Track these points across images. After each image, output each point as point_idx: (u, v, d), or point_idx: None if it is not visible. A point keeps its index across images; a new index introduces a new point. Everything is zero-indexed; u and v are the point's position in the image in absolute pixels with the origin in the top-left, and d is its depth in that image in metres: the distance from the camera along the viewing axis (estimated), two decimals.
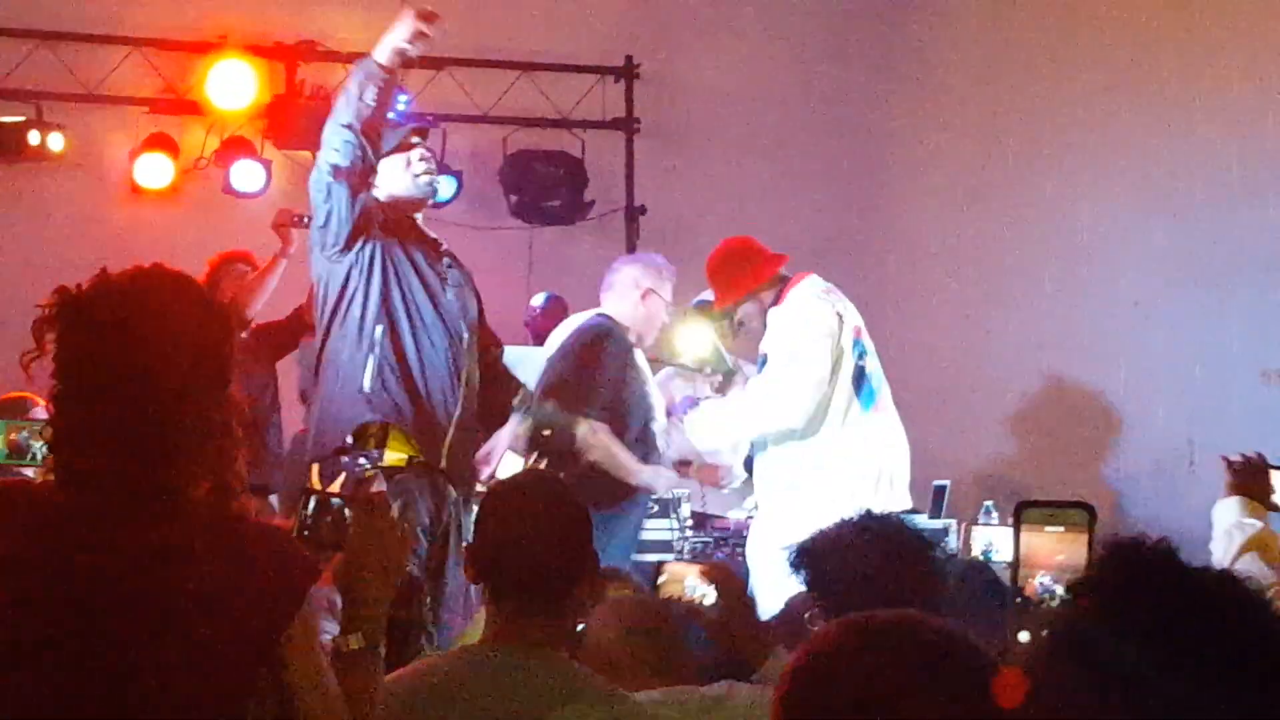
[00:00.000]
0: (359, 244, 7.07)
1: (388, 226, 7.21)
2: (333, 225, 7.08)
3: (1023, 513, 3.62)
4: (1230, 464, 5.91)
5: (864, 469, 7.87)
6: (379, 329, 7.03)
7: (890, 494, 7.91)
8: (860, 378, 7.98)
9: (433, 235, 7.43)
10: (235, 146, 10.75)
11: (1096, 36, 12.24)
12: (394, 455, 6.39)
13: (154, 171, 10.73)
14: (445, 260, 7.27)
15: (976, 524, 8.52)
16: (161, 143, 10.73)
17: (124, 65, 10.81)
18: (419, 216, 7.36)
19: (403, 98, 10.29)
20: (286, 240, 9.46)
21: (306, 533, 3.73)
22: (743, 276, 7.97)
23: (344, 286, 7.12)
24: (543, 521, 4.07)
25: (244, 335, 9.21)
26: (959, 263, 11.45)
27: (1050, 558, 3.64)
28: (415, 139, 7.30)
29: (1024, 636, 3.25)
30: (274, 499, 9.28)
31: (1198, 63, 12.05)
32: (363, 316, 7.07)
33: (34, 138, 10.41)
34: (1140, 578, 2.17)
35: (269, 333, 9.62)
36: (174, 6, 10.98)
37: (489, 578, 4.06)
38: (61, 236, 10.34)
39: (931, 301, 11.30)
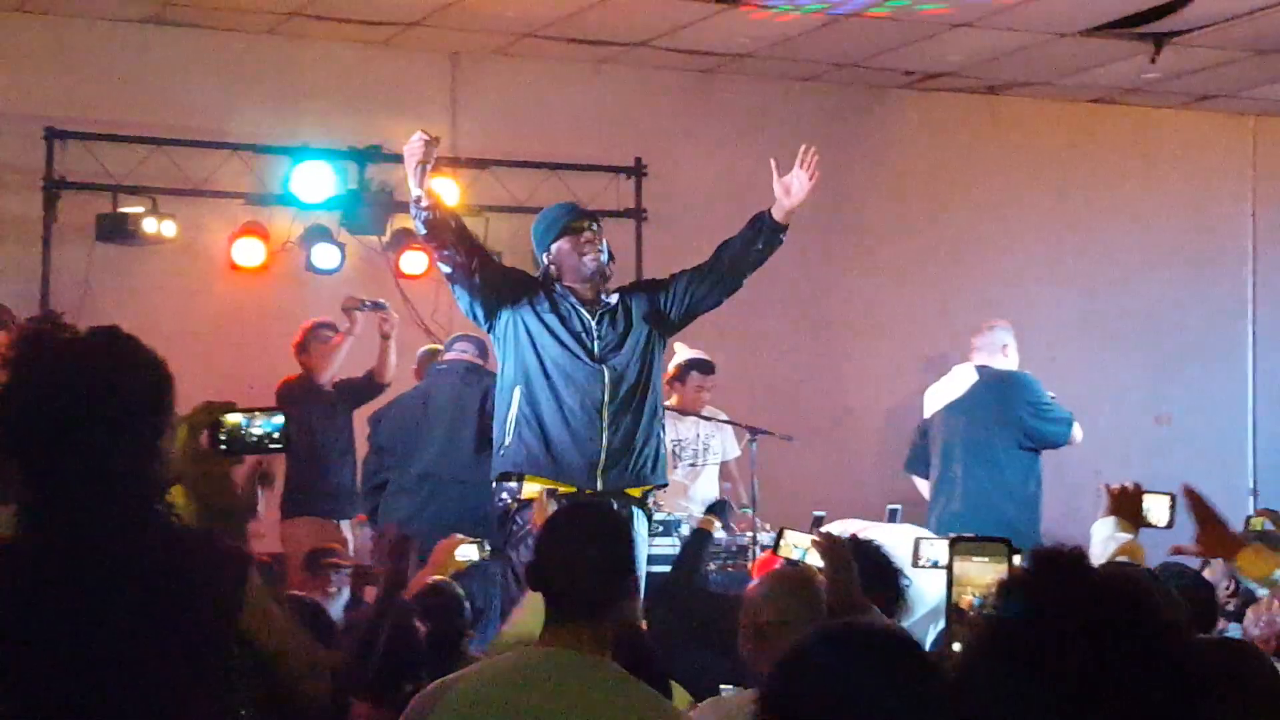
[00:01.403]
0: (498, 321, 7.58)
1: (532, 298, 7.61)
2: (467, 311, 7.76)
3: (954, 545, 4.50)
4: (1109, 490, 5.87)
5: None
6: (517, 390, 7.50)
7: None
8: None
9: (607, 297, 7.70)
10: (315, 232, 11.10)
11: (1020, 148, 13.21)
12: (530, 489, 7.27)
13: (248, 253, 10.99)
14: (596, 319, 7.59)
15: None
16: (254, 230, 11.02)
17: (225, 164, 11.10)
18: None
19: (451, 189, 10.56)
20: (352, 320, 10.17)
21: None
22: None
23: (500, 356, 7.70)
24: (588, 545, 4.20)
25: (329, 389, 10.23)
26: (901, 331, 12.10)
27: (978, 581, 4.47)
28: (586, 224, 7.76)
29: (957, 646, 3.48)
30: (345, 524, 10.02)
31: (1102, 169, 13.23)
32: (504, 378, 7.63)
33: (150, 225, 10.73)
34: (1056, 573, 2.31)
35: (347, 387, 10.24)
36: (265, 115, 11.24)
37: (545, 590, 4.20)
38: (171, 308, 10.65)
39: (880, 360, 11.86)
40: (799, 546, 6.26)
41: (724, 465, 10.87)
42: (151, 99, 11.15)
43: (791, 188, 7.61)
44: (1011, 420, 10.20)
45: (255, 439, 4.01)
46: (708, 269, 7.83)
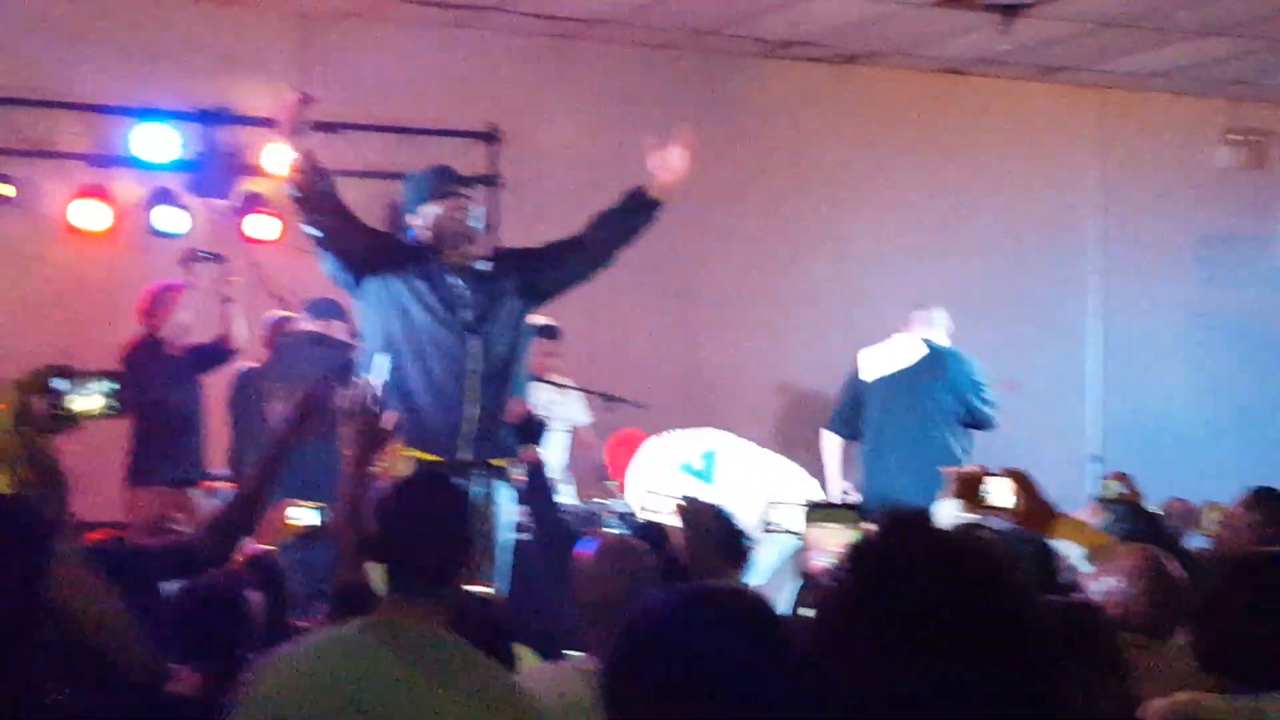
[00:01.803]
0: (366, 287, 7.50)
1: (400, 264, 7.53)
2: (332, 276, 7.64)
3: (809, 511, 4.53)
4: (953, 474, 5.96)
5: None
6: (383, 354, 7.35)
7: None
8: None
9: (478, 264, 7.62)
10: (161, 195, 11.00)
11: (875, 118, 13.43)
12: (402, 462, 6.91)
13: (90, 216, 10.91)
14: (461, 282, 7.47)
15: None
16: (96, 192, 10.92)
17: (66, 124, 11.07)
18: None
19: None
20: (193, 273, 10.11)
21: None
22: None
23: (367, 321, 7.62)
24: (426, 516, 4.18)
25: (177, 354, 10.05)
26: (761, 299, 12.19)
27: (828, 545, 4.47)
28: (457, 189, 7.67)
29: (807, 611, 3.78)
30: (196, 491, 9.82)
31: (954, 140, 13.57)
32: (369, 344, 7.51)
33: None
34: (906, 535, 2.31)
35: (196, 352, 10.08)
36: (109, 75, 11.09)
37: (384, 561, 4.15)
38: (8, 273, 10.77)
39: (740, 329, 11.93)
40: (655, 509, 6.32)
41: (577, 432, 10.91)
42: None
43: (671, 163, 7.63)
44: (959, 396, 10.57)
45: (88, 407, 4.00)
46: (583, 241, 7.83)
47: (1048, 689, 2.22)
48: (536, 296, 7.84)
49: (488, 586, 6.67)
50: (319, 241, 7.50)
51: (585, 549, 5.06)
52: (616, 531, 7.51)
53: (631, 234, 7.82)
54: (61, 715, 3.64)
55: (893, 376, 10.41)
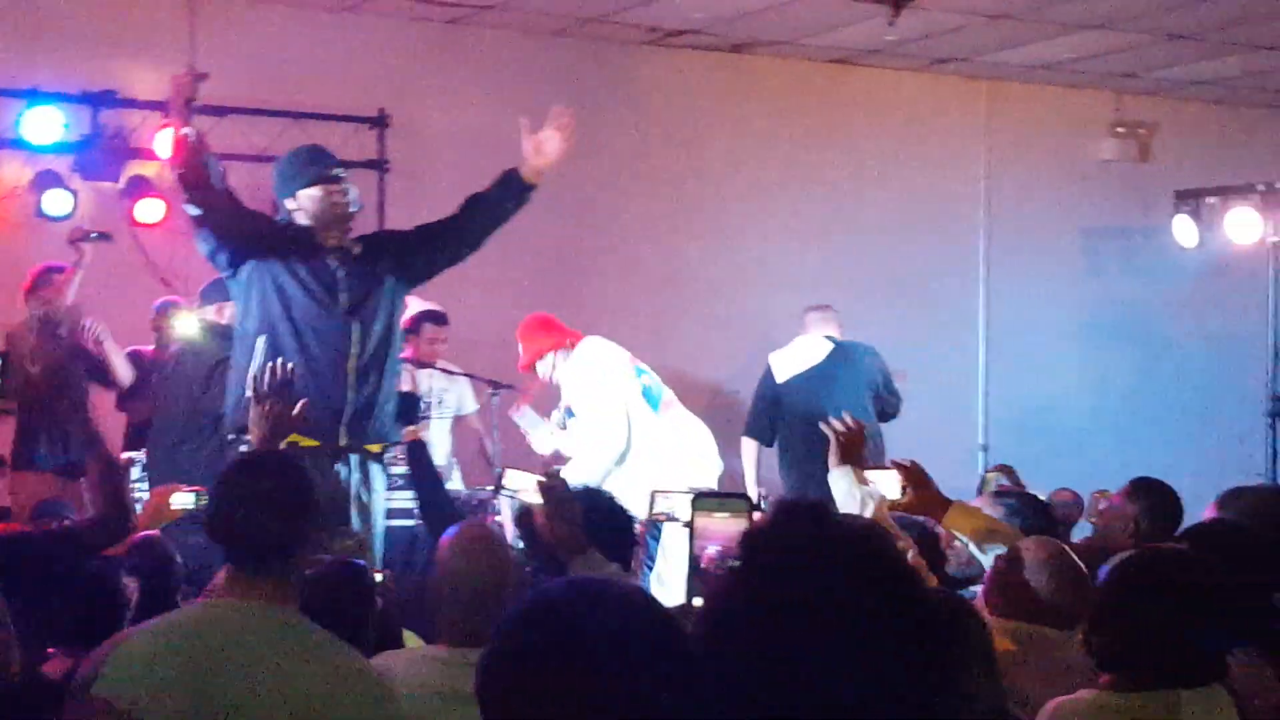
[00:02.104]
0: (242, 269, 7.46)
1: (280, 247, 7.47)
2: (209, 256, 7.54)
3: (695, 502, 4.50)
4: (833, 433, 6.03)
5: (668, 453, 9.20)
6: (260, 340, 7.30)
7: (700, 465, 9.29)
8: (645, 392, 9.38)
9: (350, 245, 7.56)
10: (47, 178, 10.89)
11: (765, 106, 13.42)
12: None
13: None
14: (342, 269, 7.46)
15: None
16: None
17: None
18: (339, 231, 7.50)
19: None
20: (80, 252, 10.04)
21: None
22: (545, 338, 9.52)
23: (241, 304, 7.55)
24: (267, 497, 4.13)
25: (64, 336, 10.04)
26: (649, 283, 12.29)
27: (718, 535, 4.48)
28: (335, 173, 7.62)
29: (698, 601, 3.78)
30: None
31: (842, 129, 13.65)
32: (245, 328, 7.46)
33: None
34: (798, 523, 2.30)
35: (83, 351, 10.04)
36: None
37: (225, 543, 4.15)
38: None
39: (627, 311, 11.87)
40: (515, 488, 6.41)
41: (464, 419, 10.92)
42: None
43: (544, 146, 7.65)
44: (872, 389, 10.76)
45: None
46: (454, 224, 7.82)
47: (932, 679, 2.22)
48: (410, 279, 7.83)
49: (377, 571, 6.51)
50: (198, 220, 7.41)
51: (446, 537, 4.97)
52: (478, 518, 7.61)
53: (503, 217, 7.79)
54: None
55: (805, 374, 10.49)
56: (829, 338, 10.78)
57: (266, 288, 7.37)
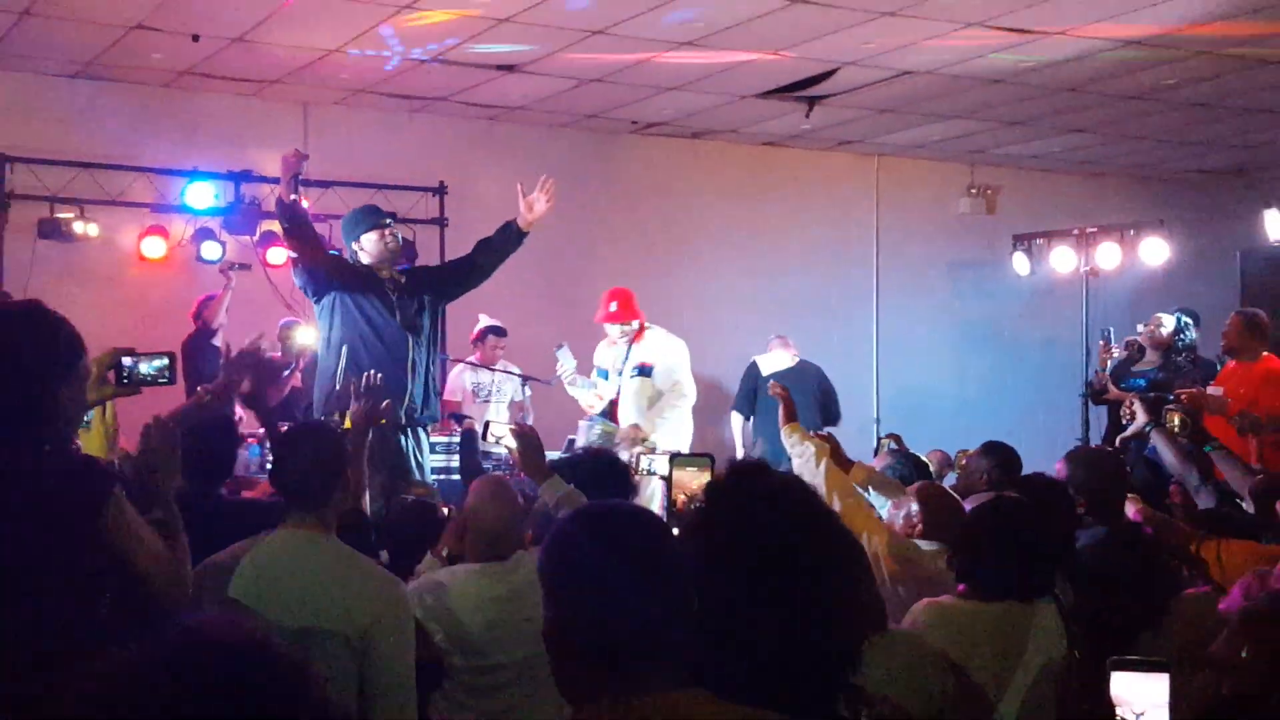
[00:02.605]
0: (326, 298, 7.52)
1: (353, 281, 7.46)
2: (301, 287, 7.74)
3: (673, 459, 4.16)
4: (779, 392, 6.05)
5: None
6: (344, 348, 7.42)
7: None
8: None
9: (398, 276, 7.63)
10: (203, 233, 11.02)
11: (715, 177, 13.30)
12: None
13: (153, 248, 10.96)
14: (395, 294, 7.52)
15: None
16: (158, 231, 10.98)
17: (136, 182, 11.06)
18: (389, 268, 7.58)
19: (305, 201, 10.80)
20: (228, 279, 10.17)
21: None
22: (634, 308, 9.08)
23: (325, 323, 7.56)
24: (303, 451, 4.00)
25: (219, 345, 10.23)
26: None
27: (689, 485, 3.98)
28: (387, 221, 7.73)
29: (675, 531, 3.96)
30: None
31: (772, 193, 13.42)
32: (330, 340, 7.54)
33: (78, 227, 10.73)
34: (742, 478, 2.34)
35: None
36: (165, 145, 11.13)
37: (282, 489, 4.05)
38: (94, 290, 10.59)
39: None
40: (500, 436, 6.10)
41: (515, 403, 10.85)
42: (79, 133, 10.98)
43: (535, 205, 7.73)
44: (818, 395, 10.91)
45: (148, 375, 3.85)
46: (470, 261, 7.93)
47: (843, 589, 2.22)
48: (443, 300, 7.86)
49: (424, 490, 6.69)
50: (294, 261, 7.58)
51: (474, 483, 4.82)
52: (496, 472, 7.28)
53: (504, 255, 7.84)
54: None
55: (778, 374, 10.33)
56: (794, 355, 10.93)
57: (347, 309, 7.48)
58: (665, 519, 3.83)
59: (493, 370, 10.72)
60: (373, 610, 3.79)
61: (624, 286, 9.31)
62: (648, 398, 9.05)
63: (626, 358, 9.16)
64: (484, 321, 10.58)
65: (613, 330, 9.27)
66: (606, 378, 9.26)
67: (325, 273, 7.56)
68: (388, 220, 7.77)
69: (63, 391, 3.29)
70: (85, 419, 4.65)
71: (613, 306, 9.17)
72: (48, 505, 3.21)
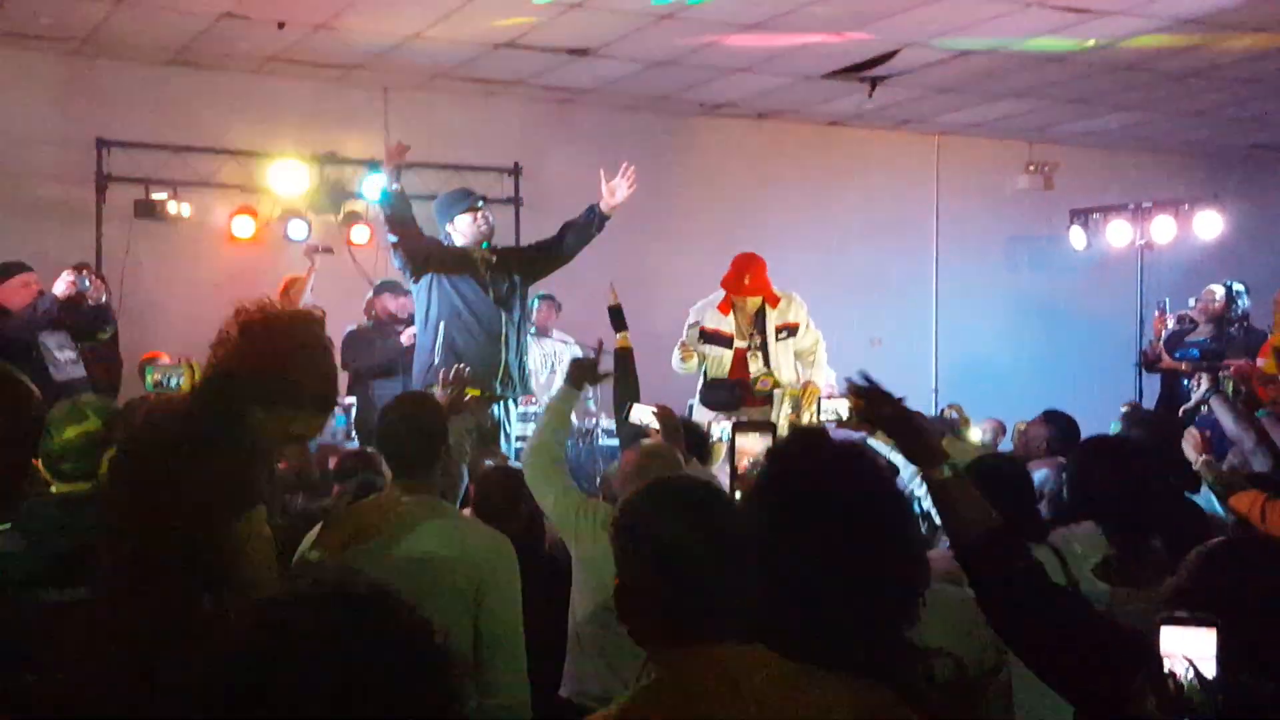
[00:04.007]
0: (424, 279, 7.63)
1: (448, 261, 7.56)
2: (400, 269, 7.81)
3: (735, 426, 4.13)
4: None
5: None
6: (441, 325, 7.56)
7: None
8: None
9: (489, 255, 7.73)
10: (290, 213, 11.12)
11: (781, 157, 13.21)
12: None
13: (243, 228, 11.09)
14: (488, 273, 7.62)
15: None
16: (247, 211, 11.10)
17: (226, 165, 11.19)
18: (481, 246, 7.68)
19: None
20: (312, 260, 10.12)
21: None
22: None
23: (423, 301, 7.68)
24: (406, 420, 4.00)
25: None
26: (694, 283, 11.86)
27: (752, 450, 3.90)
28: (479, 204, 7.85)
29: (737, 496, 3.49)
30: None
31: (835, 171, 13.34)
32: (428, 318, 7.66)
33: (172, 208, 10.83)
34: (802, 445, 2.38)
35: None
36: (254, 130, 11.23)
37: (386, 453, 4.06)
38: (188, 267, 10.83)
39: (678, 301, 11.16)
40: (643, 417, 6.07)
41: None
42: (173, 118, 11.11)
43: (617, 192, 7.80)
44: None
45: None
46: (554, 243, 8.00)
47: (904, 552, 2.22)
48: (530, 279, 7.98)
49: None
50: (395, 245, 7.68)
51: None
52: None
53: (588, 237, 7.92)
54: None
55: None
56: None
57: (444, 289, 7.63)
58: (729, 483, 3.85)
59: (553, 342, 10.79)
60: (483, 566, 3.81)
61: (754, 254, 8.83)
62: (794, 356, 8.77)
63: (764, 323, 8.66)
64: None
65: (750, 300, 8.67)
66: (716, 342, 8.72)
67: (423, 255, 7.66)
68: (480, 203, 7.85)
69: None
70: (177, 379, 4.65)
71: (745, 276, 8.66)
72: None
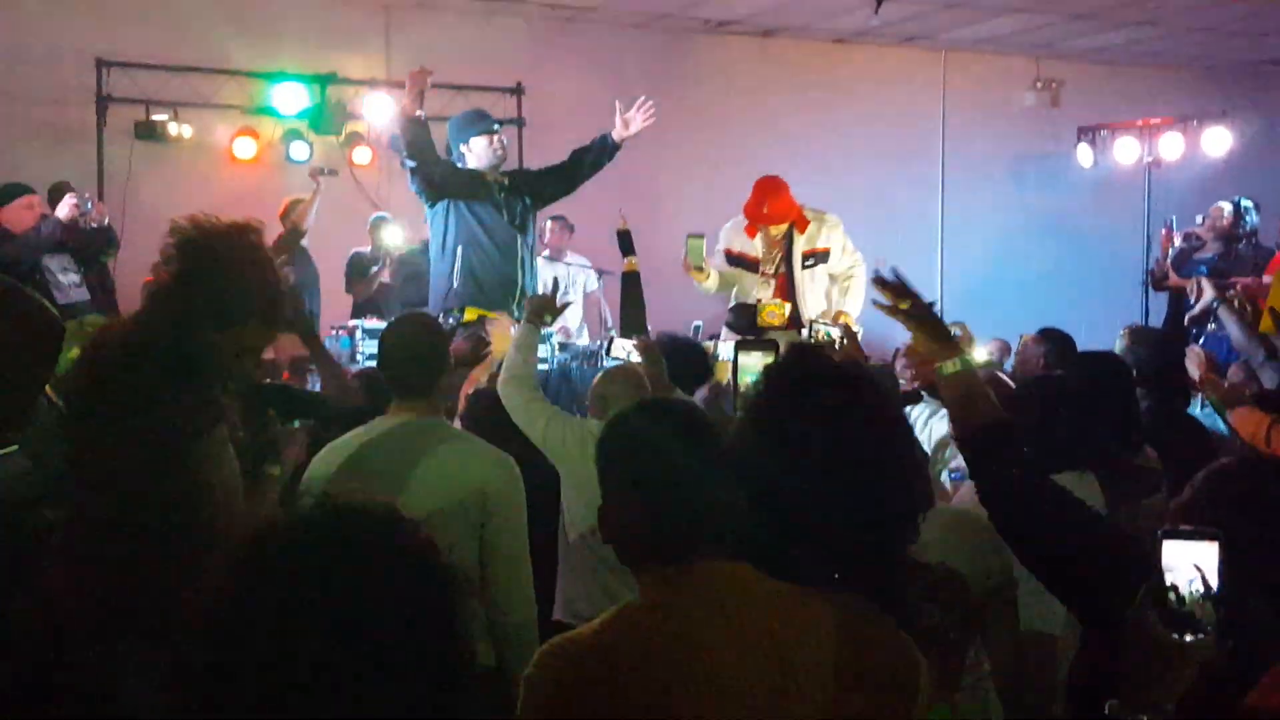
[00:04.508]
0: (440, 204, 7.62)
1: (464, 186, 7.55)
2: (418, 194, 7.76)
3: (738, 345, 3.97)
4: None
5: None
6: (459, 250, 7.53)
7: None
8: None
9: (501, 179, 7.70)
10: (291, 134, 11.05)
11: (785, 75, 13.12)
12: (469, 317, 7.22)
13: (244, 149, 11.06)
14: (503, 195, 7.61)
15: None
16: (248, 132, 11.06)
17: (227, 85, 11.08)
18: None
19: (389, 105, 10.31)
20: (318, 183, 10.04)
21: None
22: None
23: (439, 227, 7.66)
24: (410, 339, 3.98)
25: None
26: (700, 205, 11.32)
27: (753, 369, 4.45)
28: (495, 127, 7.83)
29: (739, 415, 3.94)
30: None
31: (840, 90, 13.15)
32: (445, 243, 7.64)
33: (173, 129, 10.82)
34: (802, 360, 2.34)
35: None
36: (255, 50, 11.11)
37: (390, 376, 4.01)
38: (188, 189, 10.18)
39: (682, 224, 11.21)
40: (626, 349, 6.04)
41: (590, 295, 10.99)
42: (172, 37, 10.98)
43: (631, 123, 7.77)
44: None
45: None
46: (563, 169, 7.98)
47: (901, 470, 2.21)
48: (540, 203, 7.99)
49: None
50: (412, 170, 7.64)
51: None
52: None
53: (599, 165, 7.92)
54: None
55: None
56: None
57: (461, 213, 7.61)
58: (731, 402, 3.89)
59: (568, 264, 10.76)
60: (488, 485, 3.83)
61: (776, 177, 8.48)
62: (824, 286, 8.52)
63: (790, 250, 8.35)
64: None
65: (775, 226, 8.36)
66: (743, 266, 8.44)
67: (440, 180, 7.65)
68: (497, 126, 7.86)
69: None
70: None
71: (765, 205, 8.29)
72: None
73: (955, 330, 9.16)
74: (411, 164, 7.68)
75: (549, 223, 10.53)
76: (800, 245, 8.27)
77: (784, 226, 8.25)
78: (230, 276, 3.01)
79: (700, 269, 8.24)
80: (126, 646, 2.57)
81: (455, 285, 7.51)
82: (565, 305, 6.32)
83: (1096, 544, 2.38)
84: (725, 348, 6.87)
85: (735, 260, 8.39)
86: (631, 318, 8.12)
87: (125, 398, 2.86)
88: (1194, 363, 5.38)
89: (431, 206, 7.76)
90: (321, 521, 1.54)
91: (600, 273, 10.62)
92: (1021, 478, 2.47)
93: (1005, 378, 5.35)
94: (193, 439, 2.98)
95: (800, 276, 8.22)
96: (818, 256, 8.26)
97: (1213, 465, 2.44)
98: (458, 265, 7.58)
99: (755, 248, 8.35)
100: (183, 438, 2.94)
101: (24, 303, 2.81)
